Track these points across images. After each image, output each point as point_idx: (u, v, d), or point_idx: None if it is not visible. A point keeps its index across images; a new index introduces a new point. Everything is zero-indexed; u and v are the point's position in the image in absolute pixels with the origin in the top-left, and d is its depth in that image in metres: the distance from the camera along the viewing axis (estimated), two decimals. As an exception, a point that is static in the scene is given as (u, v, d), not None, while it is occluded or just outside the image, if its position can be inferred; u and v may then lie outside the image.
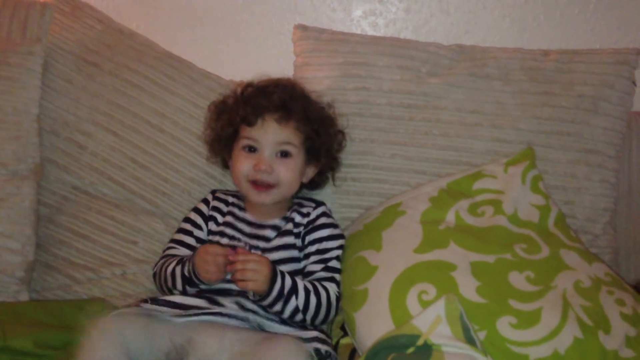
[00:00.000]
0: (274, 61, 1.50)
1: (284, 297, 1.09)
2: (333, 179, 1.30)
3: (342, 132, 1.28)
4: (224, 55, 1.52)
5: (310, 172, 1.26)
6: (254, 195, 1.19)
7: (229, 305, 1.09)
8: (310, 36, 1.39)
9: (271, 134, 1.18)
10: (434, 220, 1.19)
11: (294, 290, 1.11)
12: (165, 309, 1.06)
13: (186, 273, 1.13)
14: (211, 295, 1.11)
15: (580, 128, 1.32)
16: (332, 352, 1.09)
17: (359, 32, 1.53)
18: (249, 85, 1.26)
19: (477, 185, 1.24)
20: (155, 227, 1.31)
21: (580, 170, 1.31)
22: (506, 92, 1.32)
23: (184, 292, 1.14)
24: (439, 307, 1.02)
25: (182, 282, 1.14)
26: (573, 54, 1.36)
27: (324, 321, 1.16)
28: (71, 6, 1.37)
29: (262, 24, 1.53)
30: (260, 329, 1.09)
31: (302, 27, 1.41)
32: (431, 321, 1.00)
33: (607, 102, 1.33)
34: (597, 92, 1.32)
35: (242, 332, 1.06)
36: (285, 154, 1.19)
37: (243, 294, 1.11)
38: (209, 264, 1.09)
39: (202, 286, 1.14)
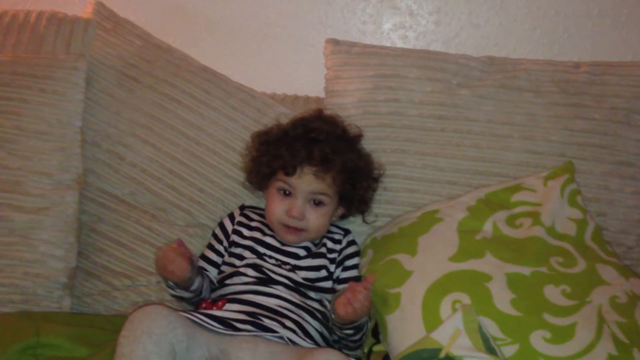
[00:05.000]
0: (305, 73, 1.53)
1: (361, 330, 1.17)
2: (363, 220, 1.33)
3: (377, 180, 1.31)
4: (256, 68, 1.55)
5: (340, 211, 1.30)
6: (283, 235, 1.24)
7: (269, 322, 1.11)
8: (341, 50, 1.41)
9: (307, 185, 1.21)
10: (471, 230, 1.20)
11: (365, 324, 1.17)
12: (206, 319, 1.08)
13: (170, 284, 1.18)
14: (252, 309, 1.14)
15: (613, 140, 1.32)
16: None
17: (388, 44, 1.55)
18: (295, 125, 1.28)
19: (516, 197, 1.24)
20: (189, 238, 1.34)
21: (612, 182, 1.31)
22: (537, 104, 1.33)
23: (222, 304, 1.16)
24: (457, 320, 1.03)
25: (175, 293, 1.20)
26: (605, 66, 1.37)
27: (354, 349, 1.21)
28: (112, 23, 1.41)
29: (293, 37, 1.56)
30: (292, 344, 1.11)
31: (333, 41, 1.43)
32: (450, 334, 1.01)
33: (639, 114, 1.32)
34: (630, 105, 1.32)
35: (274, 345, 1.08)
36: (318, 203, 1.23)
37: (283, 314, 1.14)
38: (166, 268, 1.13)
39: (180, 291, 1.19)
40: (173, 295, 1.23)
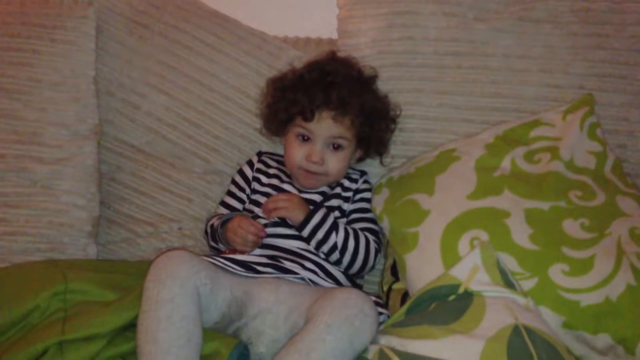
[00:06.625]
0: (317, 15, 1.49)
1: (323, 228, 1.16)
2: (381, 162, 1.32)
3: (394, 121, 1.30)
4: (267, 10, 1.52)
5: (359, 153, 1.29)
6: (303, 180, 1.25)
7: (289, 264, 1.13)
8: (353, -13, 1.38)
9: (326, 129, 1.20)
10: (488, 167, 1.19)
11: (334, 226, 1.17)
12: (228, 263, 1.10)
13: (218, 234, 1.21)
14: (273, 252, 1.16)
15: (634, 70, 1.28)
16: (386, 319, 1.11)
17: (401, -20, 1.50)
18: (310, 69, 1.26)
19: (535, 132, 1.23)
20: (208, 185, 1.35)
21: (633, 113, 1.28)
22: (556, 35, 1.29)
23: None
24: (475, 256, 1.04)
25: (214, 239, 1.23)
26: (626, -6, 1.32)
27: (360, 270, 1.20)
28: (118, -32, 1.39)
29: (304, -24, 1.52)
30: (314, 285, 1.13)
31: (345, -22, 1.40)
32: (469, 270, 1.02)
33: (662, 41, 1.29)
34: (652, 32, 1.28)
35: (296, 285, 1.10)
36: (337, 147, 1.22)
37: (303, 256, 1.16)
38: (237, 236, 1.16)
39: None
40: (212, 246, 1.26)
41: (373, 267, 1.22)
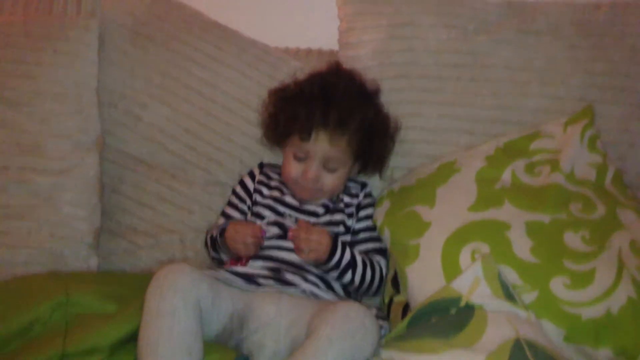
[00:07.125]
0: (319, 26, 1.50)
1: (341, 268, 1.16)
2: (380, 177, 1.32)
3: (393, 139, 1.29)
4: (268, 21, 1.52)
5: (357, 168, 1.29)
6: (299, 193, 1.25)
7: (291, 277, 1.14)
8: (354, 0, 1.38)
9: (322, 150, 1.20)
10: (489, 179, 1.19)
11: (351, 264, 1.17)
12: (229, 276, 1.10)
13: (218, 244, 1.20)
14: (275, 265, 1.16)
15: (634, 82, 1.29)
16: (387, 332, 1.10)
17: (403, -8, 1.51)
18: (312, 82, 1.26)
19: (535, 145, 1.23)
20: (209, 197, 1.35)
21: (633, 125, 1.29)
22: (556, 47, 1.30)
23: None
24: (476, 269, 1.04)
25: (215, 250, 1.22)
26: (625, 6, 1.33)
27: (373, 294, 1.22)
28: (121, -20, 1.39)
29: (305, -12, 1.53)
30: (315, 298, 1.13)
31: (346, -10, 1.40)
32: (470, 283, 1.02)
33: (662, 53, 1.29)
34: (652, 44, 1.29)
35: (298, 298, 1.10)
36: (333, 167, 1.22)
37: (305, 268, 1.16)
38: (237, 242, 1.16)
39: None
40: (213, 257, 1.25)
41: (377, 290, 1.23)
